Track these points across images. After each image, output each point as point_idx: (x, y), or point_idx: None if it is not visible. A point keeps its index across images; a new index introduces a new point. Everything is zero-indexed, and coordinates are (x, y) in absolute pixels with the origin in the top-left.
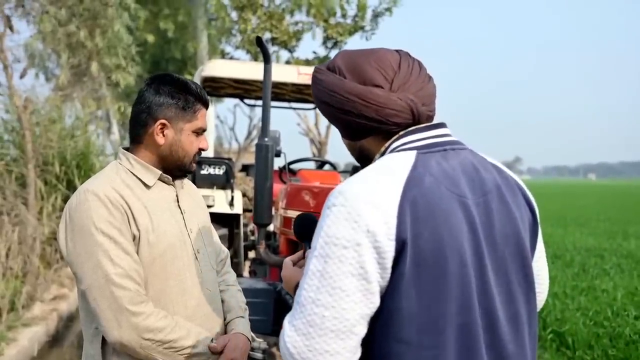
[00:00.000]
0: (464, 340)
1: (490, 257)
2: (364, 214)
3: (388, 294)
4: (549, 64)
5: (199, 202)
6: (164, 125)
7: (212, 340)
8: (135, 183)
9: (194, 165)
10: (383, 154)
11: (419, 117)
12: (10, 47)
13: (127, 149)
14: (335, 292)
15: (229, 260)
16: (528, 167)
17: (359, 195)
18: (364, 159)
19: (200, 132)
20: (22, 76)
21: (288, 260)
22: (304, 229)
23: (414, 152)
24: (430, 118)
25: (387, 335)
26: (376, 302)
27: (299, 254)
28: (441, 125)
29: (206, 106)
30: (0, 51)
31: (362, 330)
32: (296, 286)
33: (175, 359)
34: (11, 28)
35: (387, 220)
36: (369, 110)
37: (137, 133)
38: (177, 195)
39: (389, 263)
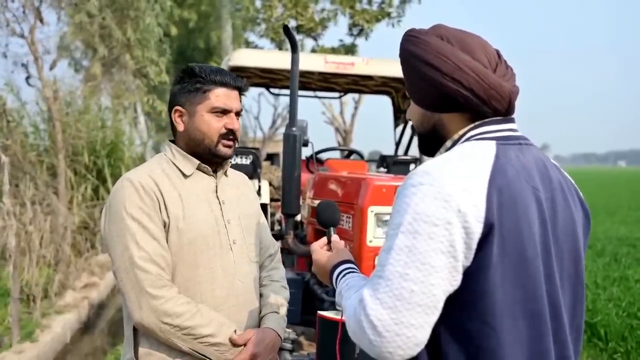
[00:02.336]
0: (536, 326)
1: (554, 250)
2: (455, 195)
3: (473, 276)
4: (577, 48)
5: (247, 194)
6: (178, 112)
7: (235, 332)
8: (174, 172)
9: (223, 148)
10: (457, 140)
11: (509, 110)
12: (40, 39)
13: (172, 141)
14: (425, 267)
15: (279, 256)
16: (555, 155)
17: (448, 176)
18: (431, 135)
19: (219, 111)
20: (51, 67)
21: (316, 246)
22: (327, 215)
23: (494, 142)
24: None
25: (472, 316)
26: (459, 280)
27: (324, 239)
28: (512, 120)
29: (224, 85)
30: (31, 43)
31: (442, 307)
32: (331, 270)
33: (195, 346)
34: (41, 20)
35: (476, 203)
36: (479, 86)
37: (172, 128)
38: (216, 186)
39: (474, 244)
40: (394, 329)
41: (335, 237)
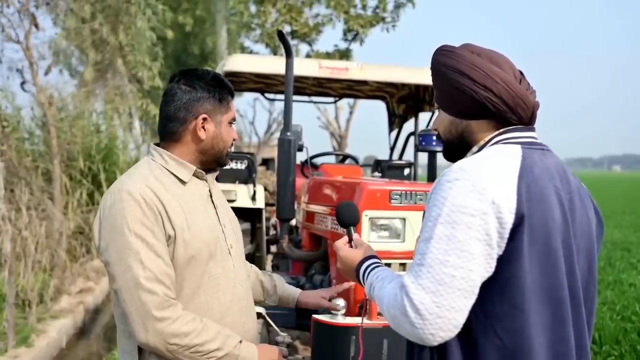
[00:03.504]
0: (558, 313)
1: (573, 246)
2: (489, 188)
3: (504, 263)
4: (571, 53)
5: (224, 197)
6: (205, 119)
7: (240, 342)
8: (169, 180)
9: (228, 157)
10: (483, 145)
11: (531, 120)
12: (36, 44)
13: (158, 145)
14: (464, 254)
15: None
16: None
17: (481, 172)
18: (458, 141)
19: (233, 122)
20: (46, 73)
21: (340, 243)
22: (347, 215)
23: (519, 146)
24: None
25: (502, 300)
26: (493, 267)
27: (345, 238)
28: (534, 129)
29: (233, 96)
30: (26, 49)
31: (477, 292)
32: (358, 265)
33: None
34: (37, 26)
35: (508, 196)
36: (507, 95)
37: (174, 130)
38: (210, 190)
39: (506, 233)
40: (436, 311)
41: (355, 235)
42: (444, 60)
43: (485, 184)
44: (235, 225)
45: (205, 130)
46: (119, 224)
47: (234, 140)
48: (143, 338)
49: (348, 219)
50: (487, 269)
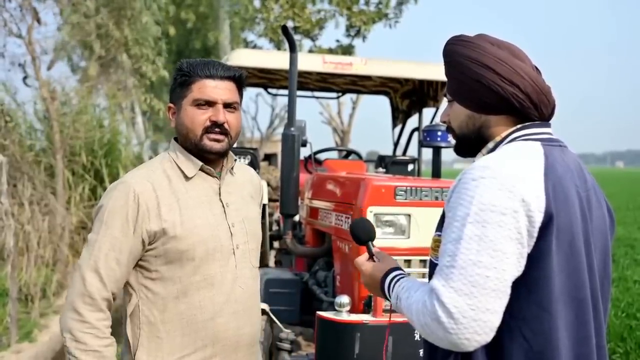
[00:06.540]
0: (581, 313)
1: (592, 244)
2: (518, 185)
3: (533, 263)
4: (574, 49)
5: (252, 194)
6: (171, 109)
7: None
8: (176, 174)
9: (209, 142)
10: (500, 142)
11: (549, 117)
12: (38, 39)
13: (176, 139)
14: (497, 254)
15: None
16: None
17: (508, 169)
18: (474, 137)
19: (202, 103)
20: (49, 68)
21: (361, 259)
22: (363, 232)
23: (539, 143)
24: None
25: (530, 301)
26: (523, 266)
27: (366, 255)
28: (550, 125)
29: (209, 77)
30: (28, 43)
31: (509, 292)
32: (382, 278)
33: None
34: (39, 20)
35: (537, 194)
36: (533, 90)
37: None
38: (219, 188)
39: (535, 232)
40: (471, 314)
41: (376, 249)
42: (464, 52)
43: (513, 182)
44: (250, 226)
45: (173, 119)
46: (101, 210)
47: (214, 122)
48: (62, 313)
49: (365, 235)
50: (518, 268)
